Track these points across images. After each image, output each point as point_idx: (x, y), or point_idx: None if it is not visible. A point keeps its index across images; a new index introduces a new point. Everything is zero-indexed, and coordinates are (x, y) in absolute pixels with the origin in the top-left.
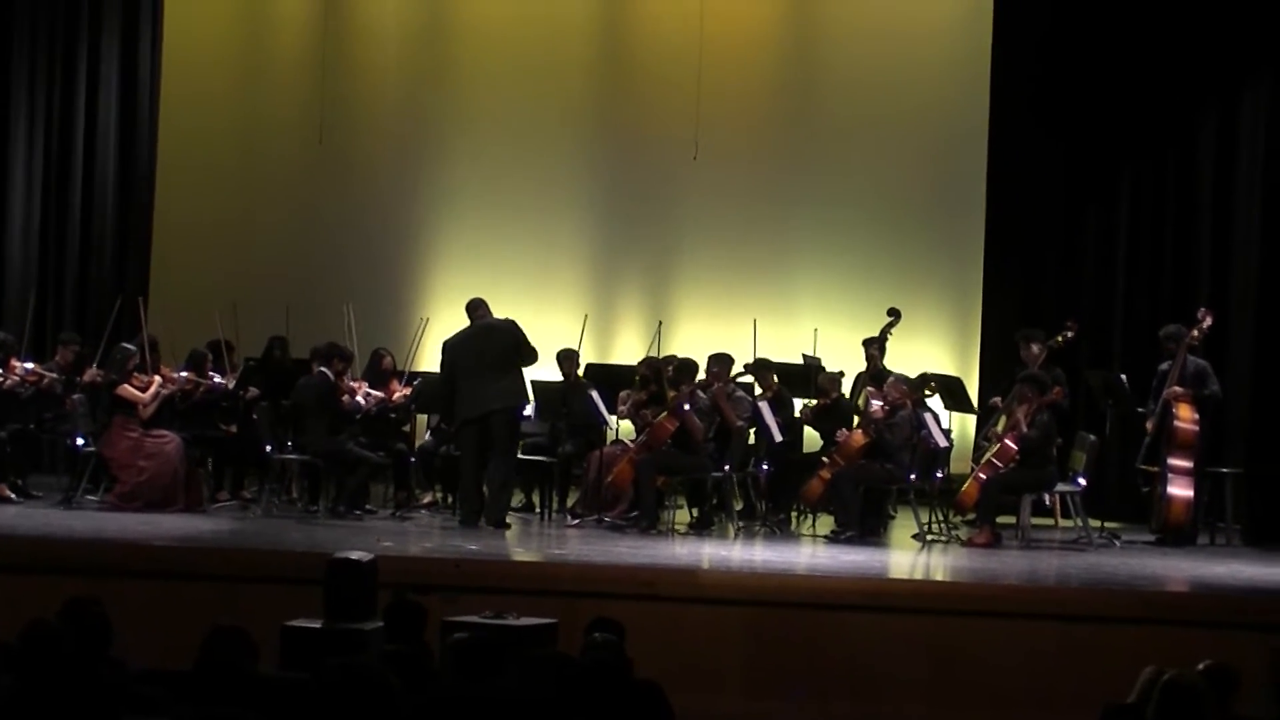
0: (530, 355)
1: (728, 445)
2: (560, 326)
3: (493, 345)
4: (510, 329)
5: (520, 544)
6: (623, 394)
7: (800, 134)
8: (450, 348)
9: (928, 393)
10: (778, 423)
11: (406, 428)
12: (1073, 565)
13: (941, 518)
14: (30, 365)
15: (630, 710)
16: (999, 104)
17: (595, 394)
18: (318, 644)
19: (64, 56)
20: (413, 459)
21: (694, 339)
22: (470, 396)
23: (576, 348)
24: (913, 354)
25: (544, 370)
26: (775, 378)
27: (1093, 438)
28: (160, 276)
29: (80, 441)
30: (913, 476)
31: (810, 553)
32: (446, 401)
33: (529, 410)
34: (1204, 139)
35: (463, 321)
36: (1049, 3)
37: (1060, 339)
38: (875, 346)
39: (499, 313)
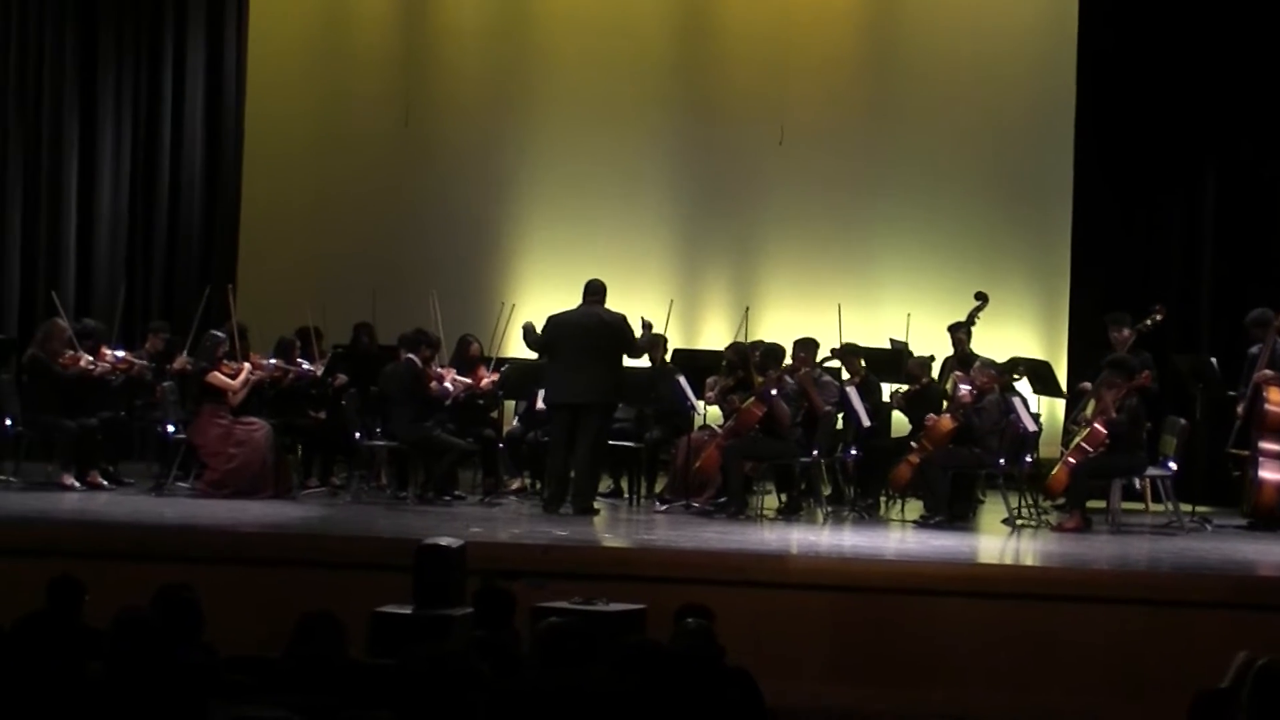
0: (636, 351)
1: (815, 430)
2: (646, 312)
3: (597, 334)
4: (619, 323)
5: (608, 530)
6: (710, 380)
7: (885, 119)
8: (553, 324)
9: (1016, 377)
10: (865, 408)
11: (494, 414)
12: (1163, 550)
13: (1031, 503)
14: (121, 353)
15: (721, 698)
16: (1085, 87)
17: (683, 379)
18: (407, 630)
19: (150, 47)
20: (500, 445)
21: (780, 325)
22: (562, 379)
23: (664, 332)
24: (1000, 339)
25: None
26: (863, 363)
27: (1183, 422)
28: (248, 264)
29: (170, 429)
30: (1001, 461)
31: (899, 538)
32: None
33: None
34: None
35: (547, 309)
36: None
37: (1148, 322)
38: (962, 331)
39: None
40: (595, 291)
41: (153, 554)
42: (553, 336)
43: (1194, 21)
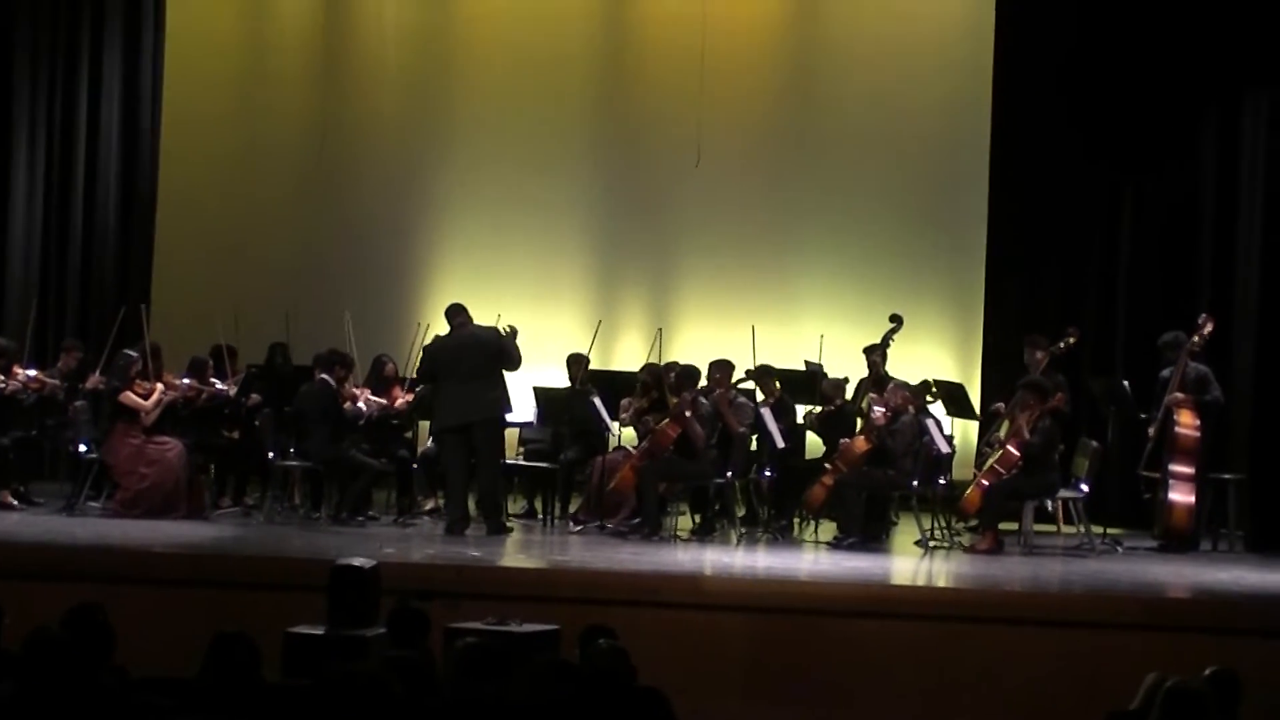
0: (514, 361)
1: (730, 452)
2: (561, 332)
3: (474, 353)
4: (492, 337)
5: (523, 550)
6: (624, 400)
7: (802, 141)
8: (431, 353)
9: (930, 398)
10: (780, 429)
11: (409, 434)
12: (1075, 571)
13: (944, 524)
14: (33, 372)
15: (634, 717)
16: (1001, 110)
17: (598, 400)
18: (320, 650)
19: (66, 64)
20: (415, 465)
21: (695, 345)
22: (450, 404)
23: (587, 353)
24: (915, 360)
25: (548, 375)
26: (777, 384)
27: (1095, 444)
28: (163, 283)
29: (83, 448)
30: (915, 482)
31: (813, 559)
32: (428, 405)
33: (530, 416)
34: (1205, 145)
35: None
36: (1051, 10)
37: (1063, 345)
38: (877, 353)
39: (497, 318)
40: (460, 313)
41: (64, 574)
42: (433, 365)
43: (1108, 45)
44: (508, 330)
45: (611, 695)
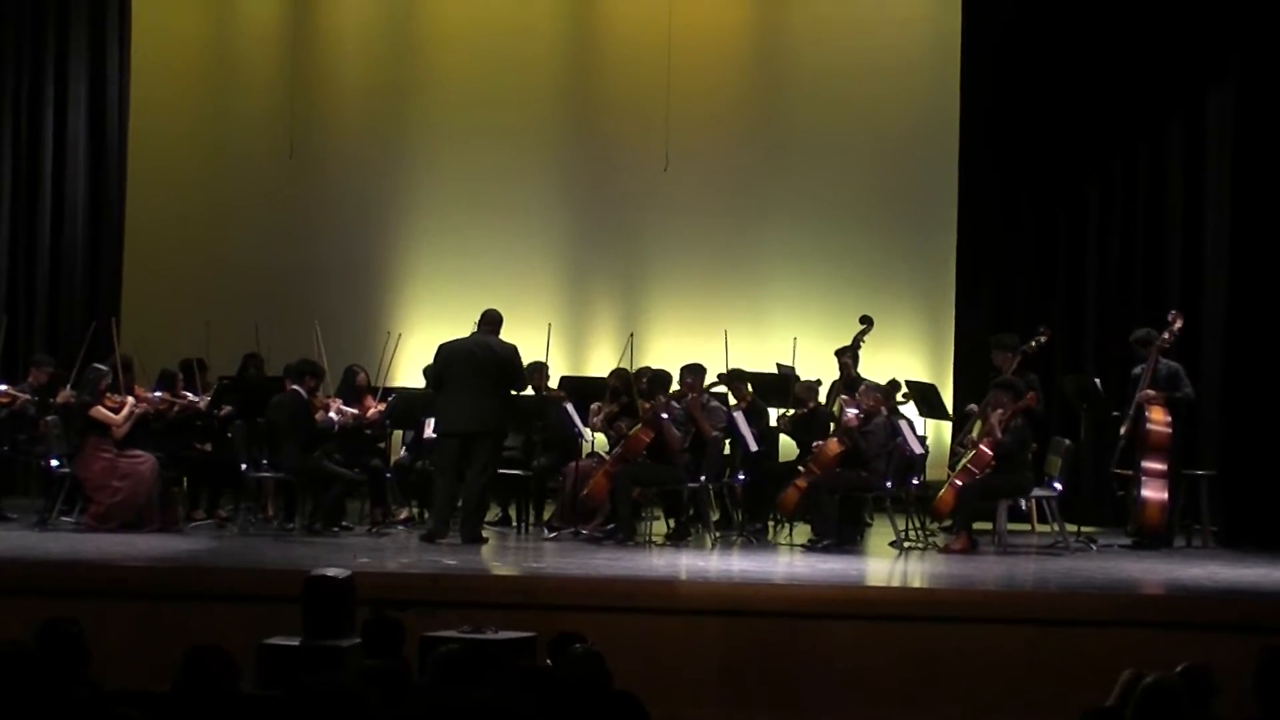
0: (522, 383)
1: (703, 456)
2: (532, 339)
3: (486, 364)
4: (510, 354)
5: (497, 558)
6: (594, 406)
7: (770, 144)
8: (444, 354)
9: (901, 400)
10: (753, 433)
11: (382, 444)
12: (1049, 570)
13: (918, 525)
14: (3, 387)
15: None
16: (968, 111)
17: (570, 407)
18: (296, 662)
19: (31, 75)
20: (388, 475)
21: (666, 351)
22: (453, 409)
23: (544, 359)
24: (887, 362)
25: None
26: (749, 388)
27: (1067, 442)
28: (132, 297)
29: (54, 463)
30: (889, 484)
31: (787, 562)
32: (428, 404)
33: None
34: (1171, 142)
35: (434, 338)
36: (1017, 10)
37: (1033, 344)
38: (848, 355)
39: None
40: (490, 321)
41: (37, 588)
42: (443, 365)
43: (1074, 43)
44: None
45: (586, 701)
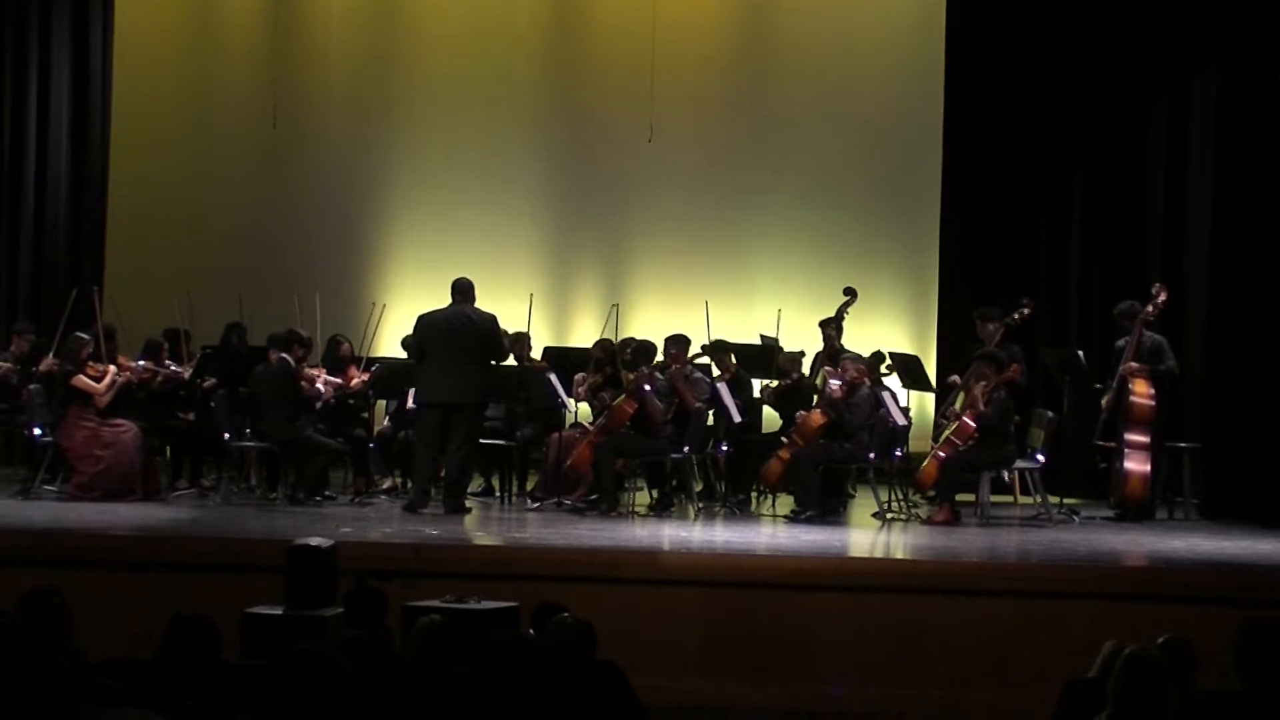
0: (503, 353)
1: (686, 427)
2: (514, 309)
3: (465, 335)
4: (489, 324)
5: (480, 528)
6: (578, 376)
7: (755, 116)
8: (423, 325)
9: (885, 371)
10: (736, 404)
11: (365, 414)
12: (1032, 542)
13: (901, 496)
14: None
15: (591, 691)
16: (953, 83)
17: (553, 377)
18: (278, 631)
19: (14, 47)
20: (372, 445)
21: (650, 322)
22: (433, 380)
23: (525, 329)
24: (870, 334)
25: None
26: (733, 359)
27: (1051, 414)
28: (115, 265)
29: (37, 432)
30: (872, 455)
31: (770, 533)
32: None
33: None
34: (1156, 119)
35: (417, 308)
36: None
37: (1017, 316)
38: (832, 327)
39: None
40: (462, 290)
41: (20, 558)
42: (422, 337)
43: (1062, 18)
44: None
45: (569, 670)
